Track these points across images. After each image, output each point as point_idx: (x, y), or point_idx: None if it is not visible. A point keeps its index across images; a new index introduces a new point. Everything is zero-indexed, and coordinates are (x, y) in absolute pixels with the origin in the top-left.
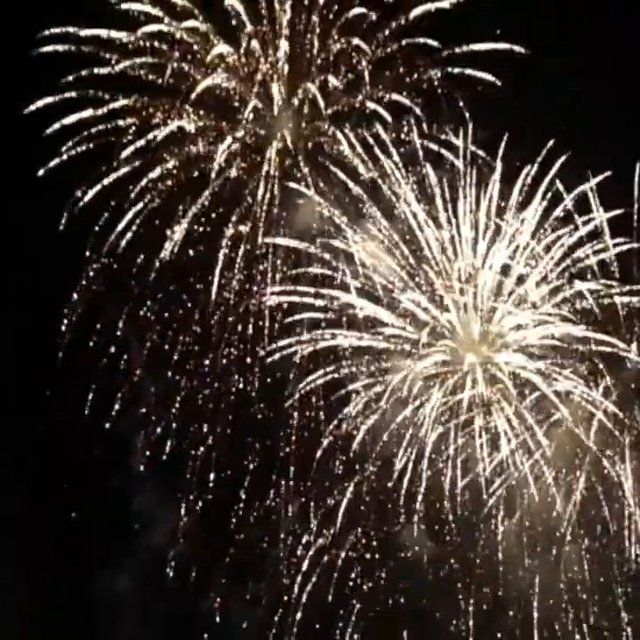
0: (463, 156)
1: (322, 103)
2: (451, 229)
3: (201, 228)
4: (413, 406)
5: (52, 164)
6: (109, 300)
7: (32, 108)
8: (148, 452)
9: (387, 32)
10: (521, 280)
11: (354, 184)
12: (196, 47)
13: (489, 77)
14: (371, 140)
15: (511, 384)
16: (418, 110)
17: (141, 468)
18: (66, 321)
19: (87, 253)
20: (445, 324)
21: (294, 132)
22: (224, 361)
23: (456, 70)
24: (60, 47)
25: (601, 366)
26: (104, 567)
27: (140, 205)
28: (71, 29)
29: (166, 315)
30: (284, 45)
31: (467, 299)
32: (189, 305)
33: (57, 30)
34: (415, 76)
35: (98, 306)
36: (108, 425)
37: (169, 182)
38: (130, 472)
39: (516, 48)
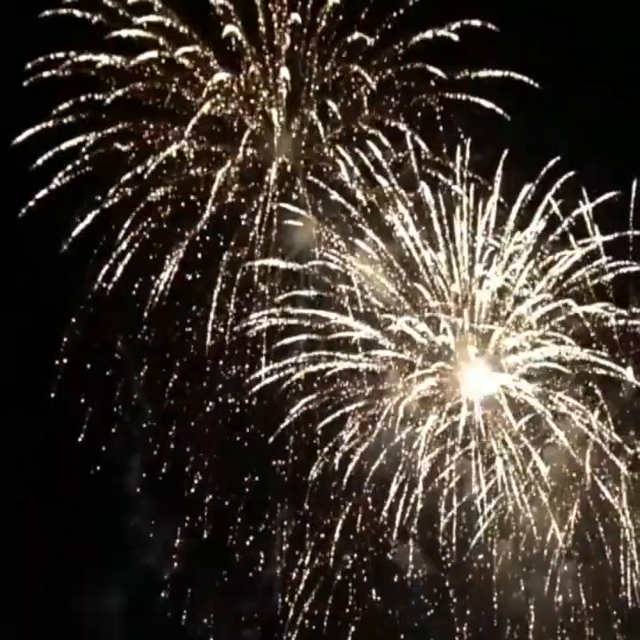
0: (460, 179)
1: (321, 128)
2: (448, 252)
3: (199, 253)
4: (409, 428)
5: (51, 186)
6: (107, 323)
7: (30, 131)
8: (144, 474)
9: (385, 59)
10: (517, 302)
11: (352, 207)
12: (196, 73)
13: (490, 104)
14: (368, 164)
15: (507, 406)
16: (416, 136)
17: (138, 489)
18: (64, 344)
19: (85, 277)
20: (441, 346)
21: (293, 156)
22: (220, 385)
23: (454, 96)
24: (57, 72)
25: (597, 392)
26: (97, 586)
27: (139, 229)
28: (71, 53)
29: (163, 337)
30: (283, 71)
31: (463, 321)
32: (187, 328)
33: (58, 55)
34: (414, 101)
35: (96, 329)
36: (104, 448)
37: (167, 206)
38: (126, 493)
39: (516, 75)
